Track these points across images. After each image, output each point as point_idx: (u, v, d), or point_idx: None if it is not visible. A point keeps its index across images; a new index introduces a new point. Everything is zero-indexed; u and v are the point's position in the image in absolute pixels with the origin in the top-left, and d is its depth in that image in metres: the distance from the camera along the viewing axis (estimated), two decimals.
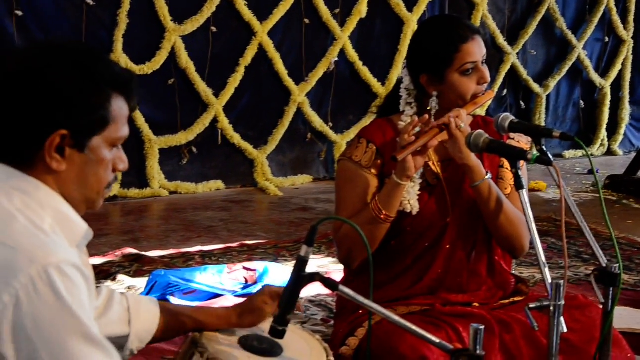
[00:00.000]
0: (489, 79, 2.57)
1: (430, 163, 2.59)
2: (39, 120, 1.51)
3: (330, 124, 7.02)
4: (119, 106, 1.59)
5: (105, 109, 1.56)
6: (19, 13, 5.53)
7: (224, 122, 6.48)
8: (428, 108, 2.56)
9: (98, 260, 4.33)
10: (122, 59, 5.86)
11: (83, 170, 1.57)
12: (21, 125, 1.51)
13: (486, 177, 2.51)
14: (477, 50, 2.53)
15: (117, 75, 1.59)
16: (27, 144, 1.53)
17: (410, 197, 2.52)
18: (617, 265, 2.15)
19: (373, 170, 2.58)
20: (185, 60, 6.21)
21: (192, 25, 6.20)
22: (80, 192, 1.59)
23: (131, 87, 1.62)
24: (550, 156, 2.27)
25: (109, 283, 3.97)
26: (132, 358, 3.07)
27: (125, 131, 1.62)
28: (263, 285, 2.27)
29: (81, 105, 1.53)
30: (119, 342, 1.94)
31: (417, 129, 2.45)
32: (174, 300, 3.69)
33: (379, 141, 2.59)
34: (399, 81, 2.67)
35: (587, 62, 8.33)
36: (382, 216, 2.49)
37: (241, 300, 3.70)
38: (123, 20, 5.90)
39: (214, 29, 6.32)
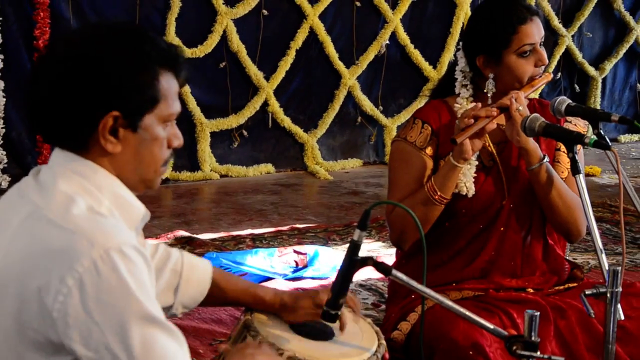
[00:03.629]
0: (546, 61, 2.52)
1: (486, 144, 2.56)
2: (90, 103, 1.52)
3: (381, 107, 6.99)
4: (168, 82, 1.58)
5: (154, 87, 1.56)
6: None
7: (275, 106, 6.49)
8: (484, 90, 2.53)
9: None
10: (174, 42, 5.89)
11: (138, 150, 1.58)
12: (73, 110, 1.53)
13: (543, 160, 2.47)
14: (535, 31, 2.49)
15: (163, 51, 1.58)
16: (81, 127, 1.54)
17: (466, 179, 2.50)
18: None
19: (428, 151, 2.56)
20: (236, 44, 6.22)
21: (244, 8, 6.21)
22: (137, 172, 1.59)
23: (179, 61, 1.61)
24: (608, 140, 2.23)
25: None
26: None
27: (176, 107, 1.61)
28: (319, 283, 2.25)
29: (130, 85, 1.53)
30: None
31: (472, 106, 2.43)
32: None
33: (434, 122, 2.57)
34: (451, 64, 2.64)
35: None
36: (436, 197, 2.47)
37: (291, 284, 3.76)
38: (176, 4, 5.94)
39: (265, 12, 6.33)
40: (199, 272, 1.99)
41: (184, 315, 2.06)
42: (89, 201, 1.52)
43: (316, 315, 1.98)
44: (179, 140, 1.64)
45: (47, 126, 1.57)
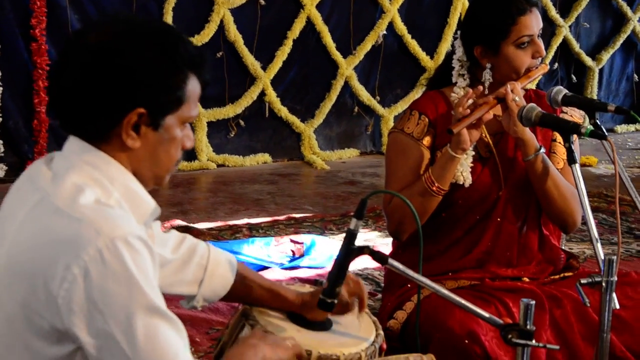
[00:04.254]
0: (544, 53, 2.53)
1: (482, 135, 2.57)
2: (118, 97, 1.53)
3: (378, 97, 6.98)
4: (193, 86, 1.60)
5: (181, 89, 1.58)
6: None
7: (272, 96, 6.49)
8: (482, 80, 2.54)
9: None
10: None
11: (156, 149, 1.59)
12: (101, 102, 1.53)
13: (540, 151, 2.48)
14: (534, 23, 2.50)
15: (193, 55, 1.60)
16: (105, 120, 1.54)
17: (463, 169, 2.51)
18: None
19: (425, 143, 2.56)
20: (233, 33, 6.21)
21: None
22: (150, 169, 1.60)
23: (205, 66, 1.63)
24: (605, 130, 2.24)
25: None
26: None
27: (196, 110, 1.64)
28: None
29: (161, 85, 1.55)
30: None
31: (471, 101, 2.43)
32: None
33: (431, 113, 2.57)
34: (448, 54, 2.65)
35: None
36: (434, 188, 2.47)
37: (288, 273, 3.77)
38: None
39: (262, 1, 6.31)
40: (223, 267, 1.99)
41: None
42: (98, 192, 1.52)
43: (335, 311, 1.94)
44: (191, 142, 1.65)
45: (70, 114, 1.57)
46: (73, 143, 1.58)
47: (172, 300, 2.12)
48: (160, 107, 1.56)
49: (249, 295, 2.03)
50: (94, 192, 1.52)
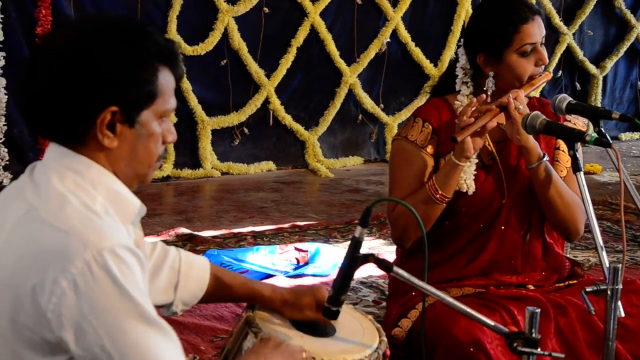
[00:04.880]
0: (547, 61, 2.53)
1: (486, 143, 2.57)
2: (89, 98, 1.52)
3: (382, 105, 6.99)
4: (166, 78, 1.58)
5: (153, 83, 1.55)
6: None
7: (276, 103, 6.50)
8: (484, 88, 2.54)
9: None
10: (176, 40, 5.90)
11: (134, 146, 1.57)
12: (72, 104, 1.52)
13: (543, 159, 2.48)
14: (536, 31, 2.50)
15: (163, 47, 1.58)
16: (79, 122, 1.53)
17: (466, 176, 2.51)
18: None
19: (429, 150, 2.57)
20: (237, 41, 6.23)
21: (245, 6, 6.22)
22: (131, 168, 1.59)
23: (176, 57, 1.61)
24: (609, 138, 2.24)
25: None
26: (186, 335, 3.12)
27: (172, 103, 1.61)
28: (320, 280, 2.25)
29: (130, 81, 1.53)
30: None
31: (474, 109, 2.44)
32: None
33: (434, 121, 2.58)
34: (452, 62, 2.66)
35: None
36: (437, 196, 2.48)
37: (293, 281, 3.77)
38: (177, 2, 5.95)
39: (266, 9, 6.33)
40: (197, 268, 1.98)
41: (186, 311, 2.06)
42: (83, 199, 1.51)
43: (318, 314, 1.97)
44: (173, 136, 1.63)
45: (44, 120, 1.56)
46: (52, 150, 1.58)
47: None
48: (133, 103, 1.54)
49: (227, 294, 2.02)
50: (79, 199, 1.51)
